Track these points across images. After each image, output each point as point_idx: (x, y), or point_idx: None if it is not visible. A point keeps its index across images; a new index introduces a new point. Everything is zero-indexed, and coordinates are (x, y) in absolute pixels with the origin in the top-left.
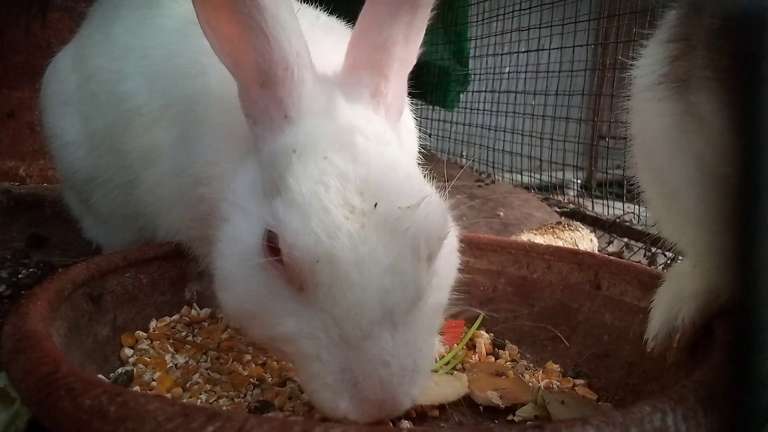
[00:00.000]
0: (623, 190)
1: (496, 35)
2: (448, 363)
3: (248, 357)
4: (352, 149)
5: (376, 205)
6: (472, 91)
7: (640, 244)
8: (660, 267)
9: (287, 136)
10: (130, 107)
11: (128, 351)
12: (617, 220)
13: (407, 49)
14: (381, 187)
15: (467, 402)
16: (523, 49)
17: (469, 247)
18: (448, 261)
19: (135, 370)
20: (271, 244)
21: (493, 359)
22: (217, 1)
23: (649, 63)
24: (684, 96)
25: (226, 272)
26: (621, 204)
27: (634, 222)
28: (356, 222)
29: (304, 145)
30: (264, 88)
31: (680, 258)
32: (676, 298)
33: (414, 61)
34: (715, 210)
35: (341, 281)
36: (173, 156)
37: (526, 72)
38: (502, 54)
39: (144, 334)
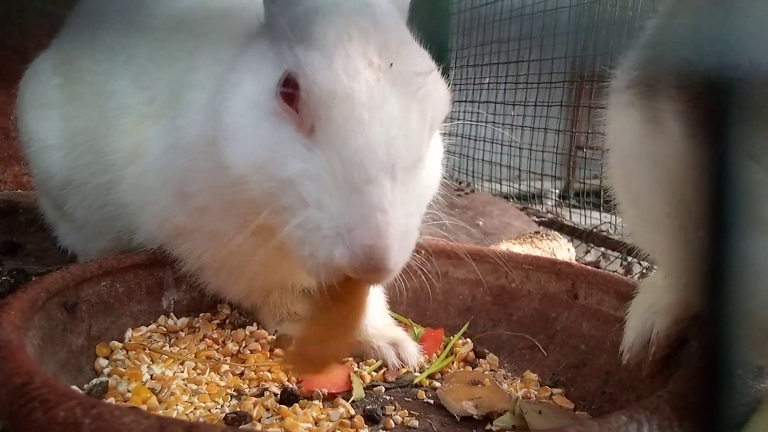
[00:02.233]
0: (600, 200)
1: (476, 46)
2: (423, 371)
3: (226, 367)
4: (373, 16)
5: (392, 64)
6: (453, 102)
7: (616, 254)
8: (636, 276)
9: (307, 3)
10: (116, 106)
11: (103, 361)
12: (594, 230)
13: None
14: (397, 50)
15: (444, 412)
16: (503, 60)
17: (449, 256)
18: (435, 166)
19: (110, 380)
20: (286, 90)
21: (470, 369)
22: None
23: (622, 70)
24: (649, 102)
25: (234, 124)
26: (598, 214)
27: (611, 231)
28: (373, 73)
29: (327, 6)
30: None
31: (654, 268)
32: (650, 310)
33: None
34: (679, 221)
35: (354, 120)
36: (159, 141)
37: (505, 83)
38: (482, 65)
39: (119, 344)
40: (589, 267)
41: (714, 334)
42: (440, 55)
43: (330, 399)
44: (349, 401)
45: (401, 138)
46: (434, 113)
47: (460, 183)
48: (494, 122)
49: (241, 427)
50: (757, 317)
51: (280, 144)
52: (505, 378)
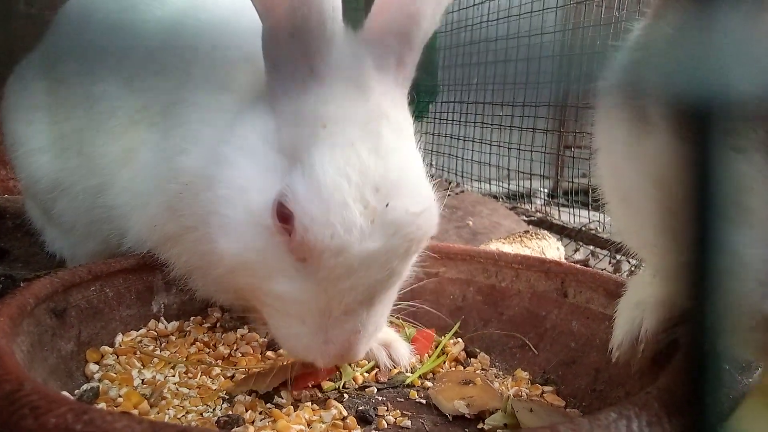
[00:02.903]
0: (589, 198)
1: (464, 46)
2: (414, 371)
3: (217, 370)
4: (377, 140)
5: (387, 204)
6: (441, 102)
7: (605, 252)
8: (625, 274)
9: (315, 100)
10: (105, 109)
11: (93, 367)
12: (583, 229)
13: (429, 26)
14: (395, 186)
15: (437, 412)
16: (491, 60)
17: (439, 256)
18: None
19: (101, 386)
20: (282, 212)
21: (461, 368)
22: None
23: (610, 70)
24: (636, 102)
25: (230, 219)
26: (587, 212)
27: (600, 230)
28: (368, 218)
29: (335, 122)
30: (294, 38)
31: (643, 266)
32: (638, 308)
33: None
34: (665, 219)
35: (344, 269)
36: (153, 148)
37: (494, 83)
38: (470, 64)
39: (110, 349)
40: (578, 265)
41: (701, 330)
42: (428, 55)
43: (320, 392)
44: (340, 385)
45: (383, 277)
46: (417, 247)
47: (450, 183)
48: (483, 122)
49: (233, 430)
50: (743, 311)
51: (273, 259)
52: (496, 377)
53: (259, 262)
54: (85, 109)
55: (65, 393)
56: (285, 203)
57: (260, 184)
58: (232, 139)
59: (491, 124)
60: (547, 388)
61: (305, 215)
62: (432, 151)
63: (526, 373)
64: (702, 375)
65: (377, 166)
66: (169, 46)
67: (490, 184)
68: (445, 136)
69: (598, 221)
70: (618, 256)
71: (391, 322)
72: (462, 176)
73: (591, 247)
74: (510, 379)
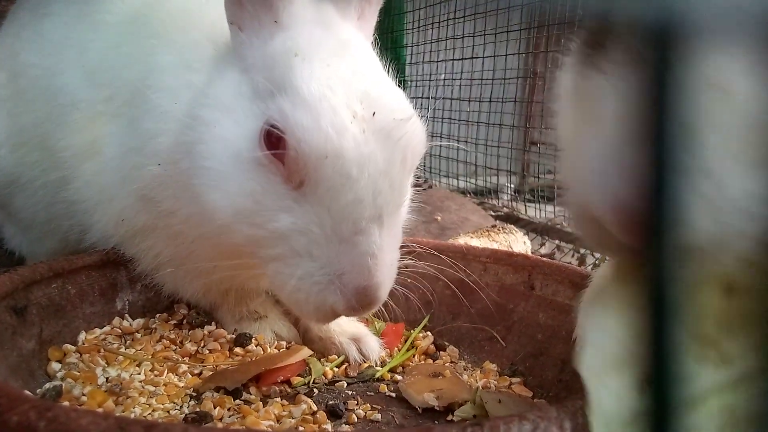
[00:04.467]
0: (554, 194)
1: (431, 42)
2: (384, 365)
3: (184, 368)
4: (351, 60)
5: (374, 113)
6: (409, 98)
7: (570, 246)
8: (589, 267)
9: (284, 41)
10: (67, 102)
11: (56, 365)
12: (549, 223)
13: None
14: (378, 98)
15: (407, 405)
16: (457, 57)
17: (408, 251)
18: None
19: (64, 385)
20: (271, 136)
21: (431, 361)
22: None
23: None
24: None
25: (217, 171)
26: (552, 207)
27: (565, 224)
28: (358, 126)
29: (306, 50)
30: None
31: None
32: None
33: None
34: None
35: (344, 177)
36: (119, 140)
37: (461, 79)
38: (437, 61)
39: (72, 347)
40: (545, 258)
41: (655, 308)
42: (395, 52)
43: (289, 387)
44: (310, 380)
45: (387, 188)
46: (413, 157)
47: (418, 179)
48: (450, 118)
49: (201, 426)
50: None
51: (268, 197)
52: (465, 369)
53: (254, 204)
54: (46, 101)
55: (27, 392)
56: (274, 123)
57: (242, 129)
58: (207, 101)
59: (458, 120)
60: (515, 380)
61: (297, 126)
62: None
63: (494, 365)
64: (658, 362)
65: (357, 81)
66: (133, 37)
67: (458, 179)
68: None
69: (564, 216)
70: (582, 250)
71: (360, 317)
72: (430, 172)
73: (556, 241)
74: (478, 372)
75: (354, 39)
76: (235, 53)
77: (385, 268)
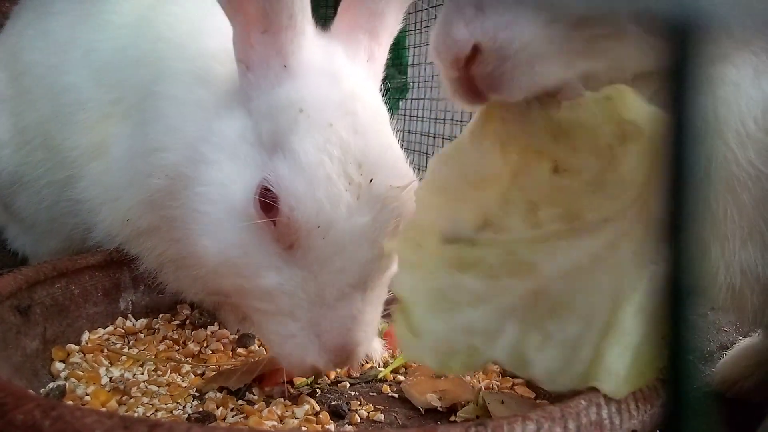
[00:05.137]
0: None
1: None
2: (387, 366)
3: (187, 368)
4: (354, 119)
5: (371, 180)
6: (411, 99)
7: None
8: None
9: (289, 90)
10: (73, 101)
11: (59, 365)
12: None
13: (395, 23)
14: (377, 162)
15: (409, 405)
16: None
17: None
18: None
19: (67, 384)
20: (265, 200)
21: None
22: None
23: None
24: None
25: (210, 217)
26: None
27: None
28: (353, 193)
29: (311, 106)
30: (265, 34)
31: None
32: None
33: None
34: None
35: (334, 247)
36: (126, 142)
37: None
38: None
39: (76, 347)
40: None
41: (667, 300)
42: (398, 53)
43: (292, 388)
44: (312, 382)
45: (375, 256)
46: (401, 221)
47: (420, 180)
48: (452, 119)
49: (205, 425)
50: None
51: (258, 253)
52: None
53: (243, 257)
54: (50, 100)
55: (31, 392)
56: (269, 186)
57: (240, 179)
58: (211, 138)
59: (460, 122)
60: (517, 380)
61: (290, 195)
62: (402, 148)
63: (496, 365)
64: (671, 352)
65: (357, 143)
66: (141, 39)
67: None
68: (415, 134)
69: None
70: None
71: None
72: None
73: None
74: (481, 372)
75: (361, 89)
76: (241, 90)
77: (365, 327)
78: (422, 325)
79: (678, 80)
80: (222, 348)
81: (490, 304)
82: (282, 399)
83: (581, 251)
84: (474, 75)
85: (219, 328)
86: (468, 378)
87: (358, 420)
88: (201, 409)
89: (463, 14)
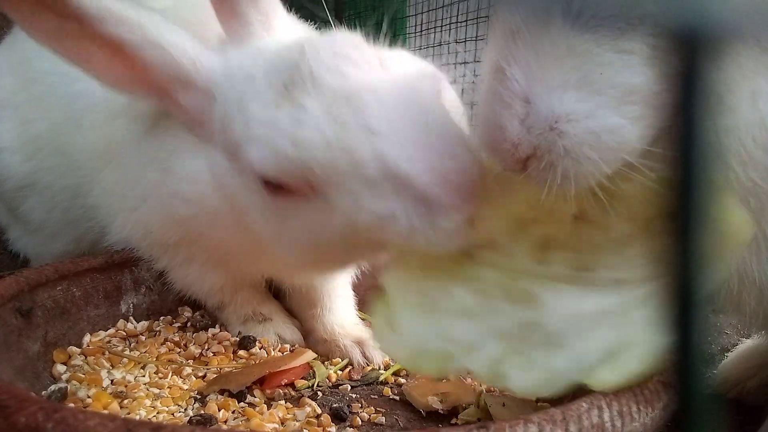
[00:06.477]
0: None
1: (433, 47)
2: (388, 368)
3: (188, 370)
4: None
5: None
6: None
7: None
8: None
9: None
10: (84, 106)
11: (61, 367)
12: None
13: None
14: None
15: (411, 408)
16: (460, 61)
17: None
18: None
19: (69, 387)
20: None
21: None
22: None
23: None
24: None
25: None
26: None
27: None
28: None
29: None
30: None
31: None
32: None
33: None
34: None
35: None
36: (137, 148)
37: (463, 83)
38: (440, 65)
39: (77, 349)
40: None
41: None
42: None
43: (293, 390)
44: (314, 383)
45: None
46: None
47: None
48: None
49: (206, 428)
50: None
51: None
52: (468, 372)
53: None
54: (63, 107)
55: (33, 394)
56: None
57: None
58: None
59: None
60: None
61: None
62: None
63: None
64: (679, 359)
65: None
66: None
67: None
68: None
69: None
70: None
71: (363, 320)
72: None
73: None
74: None
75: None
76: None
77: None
78: (400, 320)
79: (686, 92)
80: (223, 350)
81: (478, 320)
82: (283, 401)
83: (590, 302)
84: (530, 171)
85: (220, 331)
86: (469, 380)
87: (360, 422)
88: (202, 412)
89: (514, 110)
